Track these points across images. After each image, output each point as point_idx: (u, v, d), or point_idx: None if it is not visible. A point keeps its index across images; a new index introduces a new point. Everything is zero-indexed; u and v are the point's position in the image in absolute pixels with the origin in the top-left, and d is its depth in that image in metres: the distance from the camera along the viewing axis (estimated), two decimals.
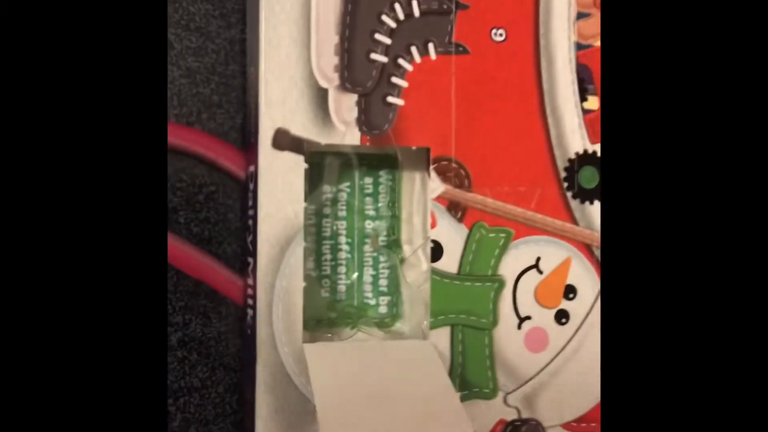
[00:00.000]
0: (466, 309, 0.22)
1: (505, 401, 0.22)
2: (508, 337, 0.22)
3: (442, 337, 0.22)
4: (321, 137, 0.21)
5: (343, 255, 0.23)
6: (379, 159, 0.23)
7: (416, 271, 0.23)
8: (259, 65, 0.21)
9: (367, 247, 0.24)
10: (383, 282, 0.23)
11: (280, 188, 0.21)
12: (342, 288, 0.23)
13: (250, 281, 0.22)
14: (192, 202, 0.24)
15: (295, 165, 0.21)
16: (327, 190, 0.23)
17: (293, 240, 0.21)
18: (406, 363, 0.21)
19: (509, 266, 0.22)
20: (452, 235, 0.22)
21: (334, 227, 0.23)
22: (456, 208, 0.22)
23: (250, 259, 0.22)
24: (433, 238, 0.22)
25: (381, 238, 0.24)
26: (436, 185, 0.22)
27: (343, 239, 0.23)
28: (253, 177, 0.22)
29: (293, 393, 0.21)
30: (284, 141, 0.21)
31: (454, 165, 0.22)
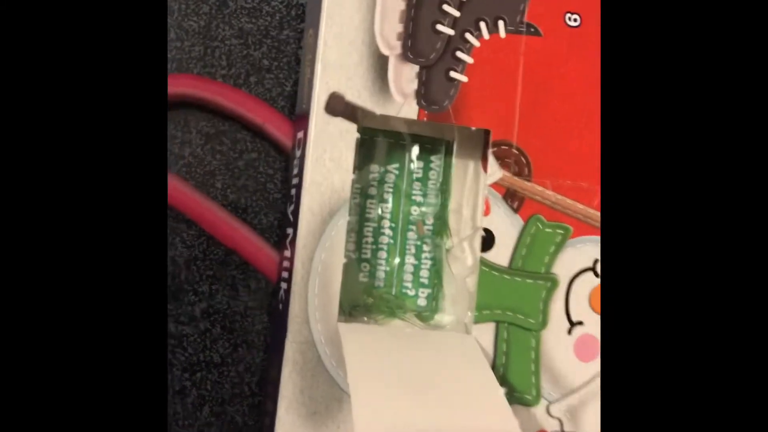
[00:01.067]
0: (514, 306, 0.20)
1: (547, 410, 0.20)
2: (556, 341, 0.21)
3: (485, 333, 0.20)
4: (377, 107, 0.20)
5: (385, 240, 0.22)
6: (432, 142, 0.22)
7: (463, 262, 0.21)
8: (320, 26, 0.20)
9: (411, 234, 0.22)
10: (424, 273, 0.22)
11: (329, 155, 0.20)
12: (381, 274, 0.22)
13: (287, 253, 0.21)
14: (231, 168, 0.23)
15: (347, 133, 0.20)
16: (375, 169, 0.22)
17: (337, 212, 0.20)
18: (447, 354, 0.19)
19: (565, 265, 0.21)
20: (506, 225, 0.21)
21: (379, 209, 0.22)
22: (513, 197, 0.21)
23: (289, 230, 0.21)
24: (485, 226, 0.21)
25: (427, 225, 0.22)
26: (494, 170, 0.21)
27: (386, 223, 0.22)
28: (301, 144, 0.20)
29: (322, 375, 0.19)
30: (338, 107, 0.20)
31: (514, 151, 0.21)
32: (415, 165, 0.22)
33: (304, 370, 0.19)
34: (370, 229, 0.22)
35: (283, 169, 0.23)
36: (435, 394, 0.17)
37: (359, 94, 0.20)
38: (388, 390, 0.17)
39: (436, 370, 0.18)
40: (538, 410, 0.20)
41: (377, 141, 0.22)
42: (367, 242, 0.22)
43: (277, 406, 0.19)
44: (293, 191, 0.21)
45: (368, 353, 0.18)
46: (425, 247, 0.22)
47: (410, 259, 0.22)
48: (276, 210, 0.23)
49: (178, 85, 0.22)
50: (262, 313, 0.23)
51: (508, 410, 0.17)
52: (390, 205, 0.22)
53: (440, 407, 0.17)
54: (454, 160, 0.22)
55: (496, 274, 0.21)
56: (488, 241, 0.21)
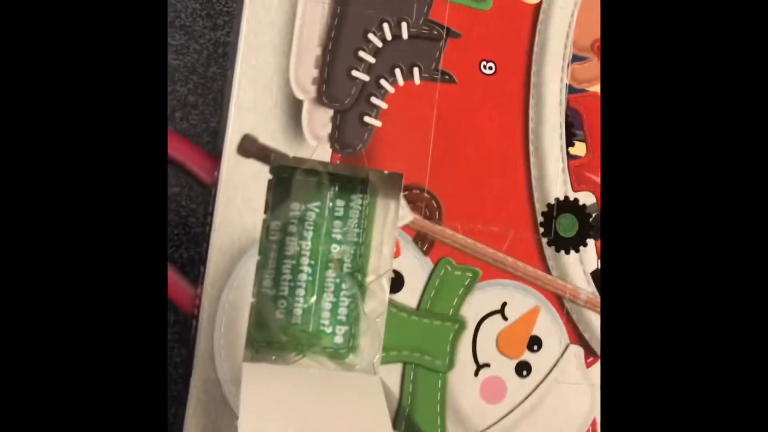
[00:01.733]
0: (422, 347, 0.21)
1: None
2: (463, 383, 0.21)
3: (392, 374, 0.21)
4: (290, 149, 0.20)
5: (303, 277, 0.22)
6: (352, 182, 0.23)
7: (376, 302, 0.22)
8: (235, 68, 0.20)
9: (330, 272, 0.22)
10: (343, 311, 0.22)
11: (240, 196, 0.20)
12: (299, 311, 0.22)
13: (199, 290, 0.21)
14: None
15: (259, 174, 0.20)
16: (295, 207, 0.22)
17: (247, 252, 0.20)
18: (346, 395, 0.19)
19: (473, 308, 0.21)
20: (416, 267, 0.21)
21: (298, 247, 0.22)
22: (423, 240, 0.21)
23: (202, 268, 0.21)
24: (395, 268, 0.21)
25: (346, 264, 0.22)
26: (405, 213, 0.21)
27: (305, 260, 0.22)
28: (216, 183, 0.21)
29: (227, 414, 0.19)
30: (251, 148, 0.20)
31: (426, 195, 0.21)
32: (337, 203, 0.23)
33: (209, 409, 0.19)
34: (289, 266, 0.22)
35: (204, 204, 0.23)
36: None
37: (273, 137, 0.20)
38: (276, 430, 0.17)
39: (332, 412, 0.18)
40: None
41: (298, 180, 0.22)
42: (285, 279, 0.22)
43: None
44: (207, 229, 0.21)
45: (266, 393, 0.19)
46: (344, 285, 0.22)
47: (329, 297, 0.22)
48: (197, 244, 0.23)
49: None
50: (180, 347, 0.23)
51: None
52: (309, 242, 0.22)
53: None
54: (375, 200, 0.22)
55: (405, 315, 0.21)
56: (397, 282, 0.21)
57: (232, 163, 0.20)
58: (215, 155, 0.23)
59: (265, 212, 0.20)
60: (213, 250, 0.20)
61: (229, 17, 0.24)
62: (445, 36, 0.21)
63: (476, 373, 0.21)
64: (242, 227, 0.20)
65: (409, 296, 0.21)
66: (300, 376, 0.20)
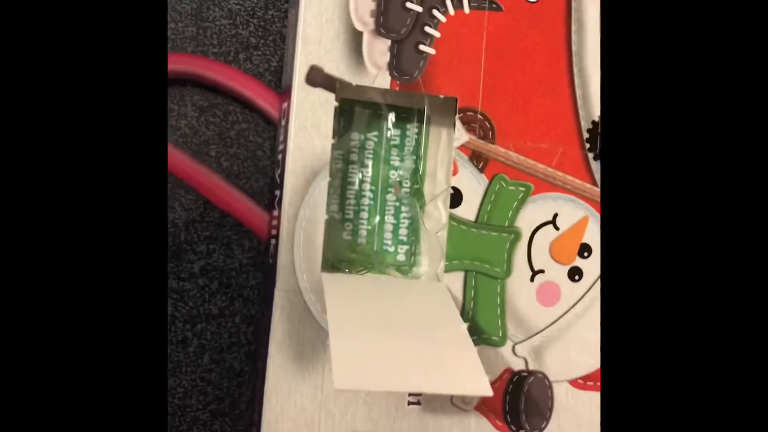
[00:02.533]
0: (481, 257, 0.23)
1: (513, 351, 0.23)
2: (520, 288, 0.23)
3: (455, 281, 0.22)
4: (353, 78, 0.22)
5: (366, 201, 0.24)
6: (408, 112, 0.24)
7: (435, 218, 0.24)
8: (299, 5, 0.22)
9: (390, 196, 0.24)
10: (403, 231, 0.24)
11: (310, 123, 0.22)
12: (363, 233, 0.24)
13: (275, 213, 0.23)
14: (223, 137, 0.25)
15: (326, 102, 0.22)
16: (355, 137, 0.24)
17: (319, 173, 0.22)
18: (421, 299, 0.21)
19: (526, 219, 0.23)
20: (473, 184, 0.23)
21: (360, 174, 0.24)
22: (478, 159, 0.23)
23: (277, 192, 0.23)
24: (453, 185, 0.23)
25: (404, 188, 0.24)
26: (461, 134, 0.23)
27: (367, 186, 0.24)
28: (286, 113, 0.22)
29: (308, 320, 0.21)
30: (317, 78, 0.22)
31: (479, 116, 0.23)
32: (392, 133, 0.24)
33: (292, 316, 0.21)
34: (352, 192, 0.24)
35: (271, 138, 0.25)
36: (407, 336, 0.19)
37: (337, 67, 0.22)
38: (365, 337, 0.19)
39: (411, 314, 0.20)
40: (505, 350, 0.23)
41: (357, 111, 0.24)
42: (349, 204, 0.24)
43: (269, 348, 0.21)
44: (280, 156, 0.23)
45: (348, 300, 0.21)
46: (403, 208, 0.24)
47: (390, 219, 0.24)
48: (265, 175, 0.25)
49: (174, 63, 0.24)
50: (255, 270, 0.25)
51: (473, 350, 0.19)
52: (370, 169, 0.24)
53: (411, 347, 0.19)
54: (428, 128, 0.24)
55: (464, 228, 0.23)
56: (456, 198, 0.23)
57: (301, 92, 0.22)
58: (281, 92, 0.25)
59: (333, 137, 0.22)
60: (288, 173, 0.22)
61: None
62: None
63: (532, 279, 0.23)
64: (313, 151, 0.22)
65: (467, 210, 0.23)
66: (375, 284, 0.22)
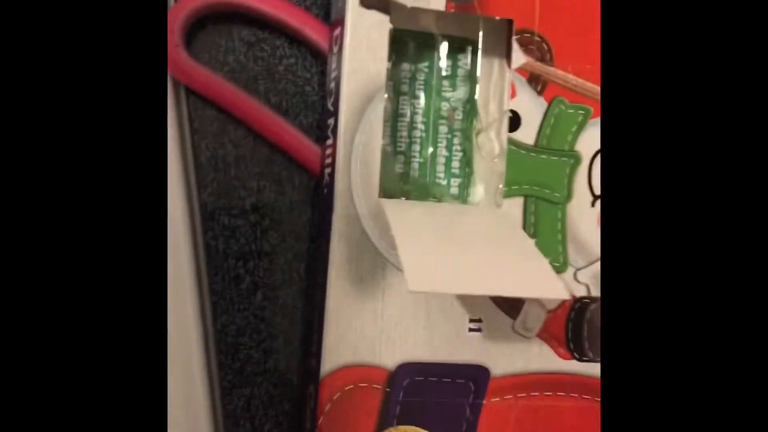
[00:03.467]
0: (541, 181, 0.22)
1: (575, 277, 0.22)
2: (580, 213, 0.22)
3: (515, 207, 0.22)
4: (407, 0, 0.21)
5: (418, 133, 0.24)
6: (460, 42, 0.24)
7: (491, 144, 0.23)
8: None
9: (442, 127, 0.24)
10: (455, 164, 0.24)
11: (365, 45, 0.21)
12: (416, 165, 0.23)
13: (329, 142, 0.22)
14: (271, 72, 0.25)
15: (380, 24, 0.21)
16: (406, 68, 0.23)
17: (374, 97, 0.21)
18: (484, 219, 0.21)
19: (586, 143, 0.22)
20: (531, 107, 0.22)
21: (411, 105, 0.24)
22: (536, 81, 0.22)
23: (330, 121, 0.22)
24: (512, 108, 0.22)
25: (456, 119, 0.24)
26: (518, 56, 0.22)
27: (419, 117, 0.24)
28: (338, 39, 0.22)
29: (366, 245, 0.21)
30: (372, 0, 0.21)
31: (536, 38, 0.22)
32: (444, 63, 0.24)
33: (350, 241, 0.21)
34: (404, 123, 0.24)
35: (319, 73, 0.25)
36: (479, 251, 0.19)
37: None
38: (434, 247, 0.19)
39: (476, 230, 0.20)
40: (567, 277, 0.22)
41: (408, 42, 0.23)
42: (401, 136, 0.24)
43: (328, 274, 0.21)
44: (332, 85, 0.23)
45: (411, 221, 0.20)
46: (455, 140, 0.24)
47: (442, 151, 0.24)
48: (314, 111, 0.25)
49: None
50: (306, 207, 0.25)
51: (548, 266, 0.19)
52: (422, 101, 0.24)
53: (486, 264, 0.18)
54: (480, 58, 0.24)
55: (523, 152, 0.22)
56: (515, 121, 0.22)
57: (355, 15, 0.21)
58: (330, 23, 0.24)
59: (388, 60, 0.21)
60: (344, 97, 0.21)
61: None
62: None
63: (593, 204, 0.22)
64: (368, 74, 0.21)
65: (526, 134, 0.22)
66: (434, 207, 0.21)
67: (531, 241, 0.20)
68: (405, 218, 0.20)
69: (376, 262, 0.21)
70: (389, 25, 0.21)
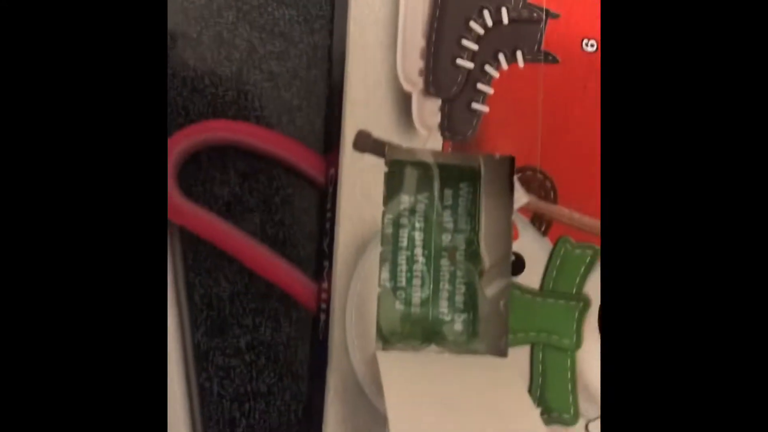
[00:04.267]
0: (548, 327, 0.21)
1: (586, 429, 0.21)
2: (591, 360, 0.21)
3: (521, 355, 0.21)
4: (402, 141, 0.21)
5: (419, 267, 0.23)
6: (459, 171, 0.23)
7: (496, 286, 0.22)
8: (345, 66, 0.21)
9: (444, 261, 0.23)
10: (459, 299, 0.23)
11: (359, 190, 0.21)
12: (417, 301, 0.23)
13: (324, 285, 0.21)
14: (268, 204, 0.24)
15: (375, 168, 0.21)
16: (405, 200, 0.23)
17: (370, 243, 0.20)
18: (484, 378, 0.19)
19: (596, 285, 0.21)
20: (535, 248, 0.21)
21: (411, 238, 0.23)
22: (540, 221, 0.21)
23: (326, 263, 0.22)
24: (515, 250, 0.21)
25: (459, 252, 0.23)
26: (520, 196, 0.21)
27: (419, 251, 0.23)
28: (333, 180, 0.21)
29: (363, 402, 0.20)
30: (366, 143, 0.21)
31: (539, 175, 0.21)
32: (445, 193, 0.23)
33: (346, 398, 0.20)
34: (404, 257, 0.23)
35: (317, 203, 0.24)
36: (472, 419, 0.18)
37: (385, 130, 0.21)
38: (426, 414, 0.18)
39: (474, 395, 0.19)
40: (578, 429, 0.21)
41: (406, 172, 0.23)
42: (401, 271, 0.23)
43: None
44: (327, 225, 0.22)
45: (405, 379, 0.19)
46: (459, 273, 0.23)
47: (445, 285, 0.23)
48: (312, 242, 0.24)
49: (214, 130, 0.23)
50: (304, 343, 0.24)
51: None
52: (422, 233, 0.23)
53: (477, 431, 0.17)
54: (482, 187, 0.23)
55: (529, 296, 0.21)
56: (519, 265, 0.21)
57: (349, 159, 0.21)
58: (326, 155, 0.24)
59: (384, 204, 0.21)
60: (338, 244, 0.20)
61: (324, 21, 0.25)
62: (544, 17, 0.22)
63: None
64: (364, 220, 0.20)
65: (531, 278, 0.21)
66: (433, 361, 0.20)
67: (536, 414, 0.19)
68: (400, 376, 0.19)
69: (374, 420, 0.20)
70: (384, 168, 0.21)
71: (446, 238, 0.23)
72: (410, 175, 0.23)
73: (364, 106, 0.21)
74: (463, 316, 0.23)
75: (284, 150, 0.23)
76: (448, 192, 0.23)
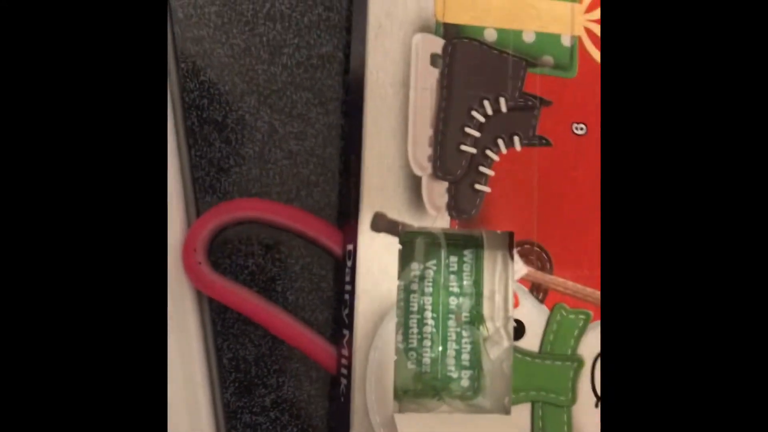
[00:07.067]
0: (547, 386, 0.23)
1: None
2: (585, 414, 0.23)
3: (523, 412, 0.23)
4: (414, 220, 0.23)
5: (428, 329, 0.25)
6: (464, 239, 0.25)
7: (499, 348, 0.24)
8: (362, 153, 0.23)
9: (451, 323, 0.25)
10: (465, 356, 0.25)
11: (376, 267, 0.23)
12: (427, 360, 0.25)
13: (344, 352, 0.24)
14: (289, 272, 0.26)
15: (390, 246, 0.23)
16: (415, 267, 0.25)
17: (386, 315, 0.23)
18: None
19: (588, 346, 0.24)
20: (534, 315, 0.23)
21: (421, 302, 0.25)
22: (538, 290, 0.24)
23: (346, 331, 0.24)
24: (516, 317, 0.23)
25: (464, 314, 0.25)
26: (520, 267, 0.24)
27: (428, 314, 0.25)
28: (351, 255, 0.24)
29: None
30: (381, 224, 0.23)
31: (536, 248, 0.24)
32: (450, 260, 0.25)
33: None
34: (415, 320, 0.25)
35: (333, 270, 0.26)
36: None
37: (399, 211, 0.23)
38: None
39: None
40: None
41: (416, 242, 0.25)
42: (412, 333, 0.25)
43: None
44: (347, 296, 0.24)
45: None
46: (464, 333, 0.25)
47: (452, 345, 0.25)
48: (329, 306, 0.26)
49: (240, 209, 0.25)
50: (323, 400, 0.26)
51: None
52: (430, 297, 0.25)
53: None
54: (485, 254, 0.25)
55: (529, 359, 0.23)
56: (519, 330, 0.23)
57: (366, 238, 0.23)
58: (341, 226, 0.26)
59: (398, 278, 0.23)
60: (358, 316, 0.23)
61: (338, 102, 0.27)
62: (538, 105, 0.24)
63: (597, 405, 0.23)
64: (380, 294, 0.23)
65: (530, 341, 0.23)
66: (446, 421, 0.23)
67: None
68: None
69: None
70: (399, 246, 0.23)
71: (452, 301, 0.25)
72: (420, 245, 0.25)
73: (380, 190, 0.23)
74: (469, 372, 0.25)
75: (303, 223, 0.26)
76: (453, 258, 0.25)
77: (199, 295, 0.26)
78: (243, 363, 0.26)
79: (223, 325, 0.26)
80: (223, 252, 0.26)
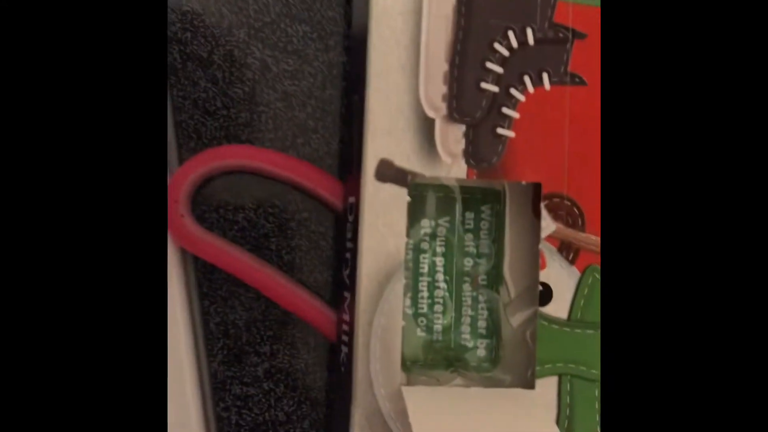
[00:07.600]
0: (576, 358, 0.20)
1: None
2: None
3: (548, 387, 0.20)
4: (425, 169, 0.20)
5: (440, 293, 0.22)
6: (482, 193, 0.22)
7: (521, 316, 0.21)
8: (366, 93, 0.20)
9: (466, 286, 0.22)
10: (482, 324, 0.22)
11: (382, 221, 0.20)
12: (438, 328, 0.22)
13: (345, 317, 0.21)
14: (284, 229, 0.23)
15: (398, 198, 0.20)
16: (426, 224, 0.22)
17: (393, 276, 0.20)
18: (512, 411, 0.19)
19: None
20: (563, 278, 0.21)
21: (432, 263, 0.22)
22: (568, 249, 0.21)
23: (347, 294, 0.21)
24: (542, 280, 0.21)
25: (481, 277, 0.22)
26: (547, 224, 0.21)
27: (440, 276, 0.22)
28: (354, 209, 0.21)
29: None
30: (388, 172, 0.20)
31: (566, 202, 0.21)
32: (466, 216, 0.22)
33: None
34: (425, 283, 0.22)
35: (333, 227, 0.23)
36: None
37: (408, 159, 0.20)
38: None
39: (502, 428, 0.18)
40: None
41: (427, 196, 0.22)
42: (422, 297, 0.22)
43: None
44: (348, 255, 0.21)
45: (433, 414, 0.19)
46: (481, 298, 0.22)
47: (467, 311, 0.22)
48: (329, 267, 0.23)
49: (228, 157, 0.22)
50: (322, 369, 0.23)
51: None
52: (443, 258, 0.22)
53: None
54: (507, 214, 0.22)
55: (556, 327, 0.21)
56: (546, 295, 0.21)
57: (371, 189, 0.20)
58: (343, 180, 0.23)
59: (406, 234, 0.20)
60: (361, 277, 0.20)
61: (339, 37, 0.24)
62: (571, 38, 0.21)
63: None
64: (387, 252, 0.20)
65: (558, 307, 0.21)
66: (460, 395, 0.20)
67: None
68: (427, 411, 0.19)
69: None
70: (407, 198, 0.20)
71: (468, 263, 0.22)
72: (431, 199, 0.22)
73: (387, 134, 0.20)
74: (486, 341, 0.22)
75: (299, 174, 0.23)
76: (469, 215, 0.22)
77: (183, 253, 0.23)
78: (232, 328, 0.23)
79: (209, 287, 0.23)
80: (209, 205, 0.23)
